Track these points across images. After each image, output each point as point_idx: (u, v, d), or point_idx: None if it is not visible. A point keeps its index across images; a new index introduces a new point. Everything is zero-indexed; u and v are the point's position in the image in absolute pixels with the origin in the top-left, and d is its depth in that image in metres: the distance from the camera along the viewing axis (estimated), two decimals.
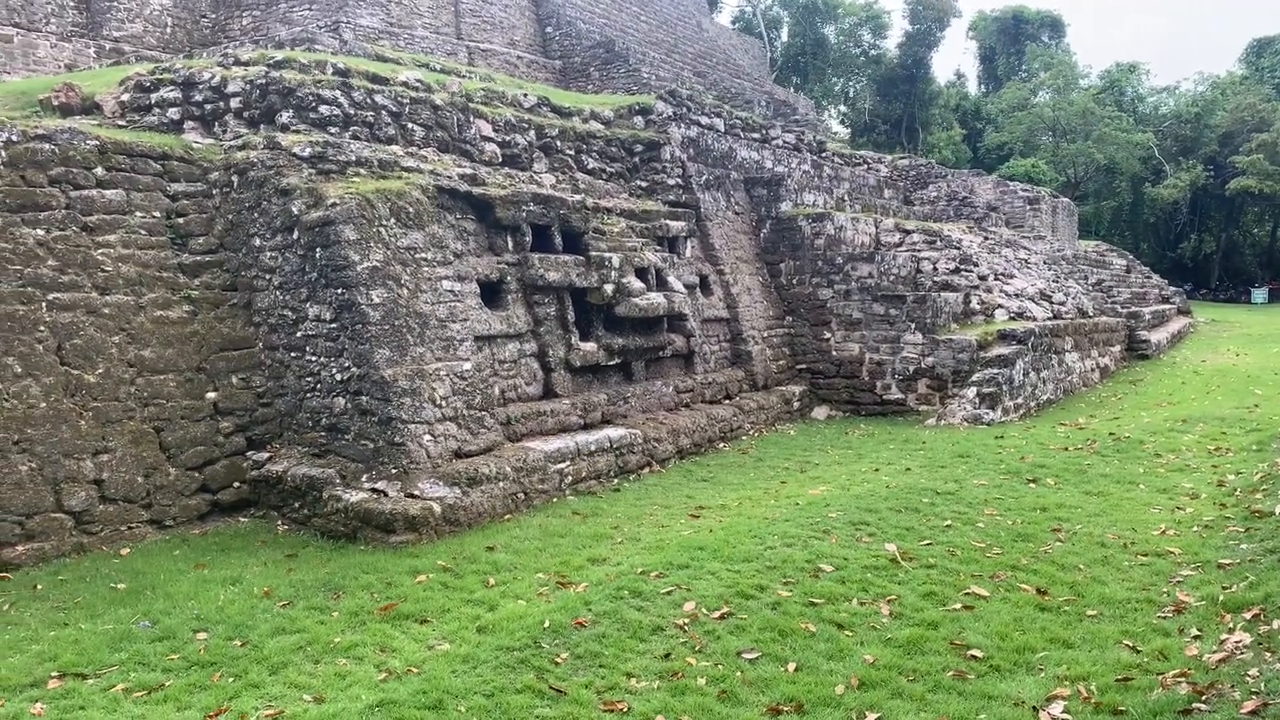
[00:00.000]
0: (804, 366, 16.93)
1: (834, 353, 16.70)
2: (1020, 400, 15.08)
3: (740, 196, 17.46)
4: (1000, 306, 16.62)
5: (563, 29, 29.28)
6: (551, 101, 15.77)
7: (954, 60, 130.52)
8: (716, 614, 6.62)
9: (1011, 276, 18.22)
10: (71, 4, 23.91)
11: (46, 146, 9.67)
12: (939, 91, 65.96)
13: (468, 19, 27.41)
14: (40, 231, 9.37)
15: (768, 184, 17.73)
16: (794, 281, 17.22)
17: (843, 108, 68.11)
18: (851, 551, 7.85)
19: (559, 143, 14.69)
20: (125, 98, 11.93)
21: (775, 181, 17.77)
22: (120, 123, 11.69)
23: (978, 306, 16.38)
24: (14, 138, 9.46)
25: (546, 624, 6.50)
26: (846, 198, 19.67)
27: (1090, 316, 19.74)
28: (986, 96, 66.44)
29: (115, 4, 24.43)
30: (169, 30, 25.60)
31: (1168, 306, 29.84)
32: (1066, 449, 11.89)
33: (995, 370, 14.80)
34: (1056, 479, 10.39)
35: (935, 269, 16.52)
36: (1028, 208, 27.41)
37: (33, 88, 13.75)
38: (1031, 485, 10.14)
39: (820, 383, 16.75)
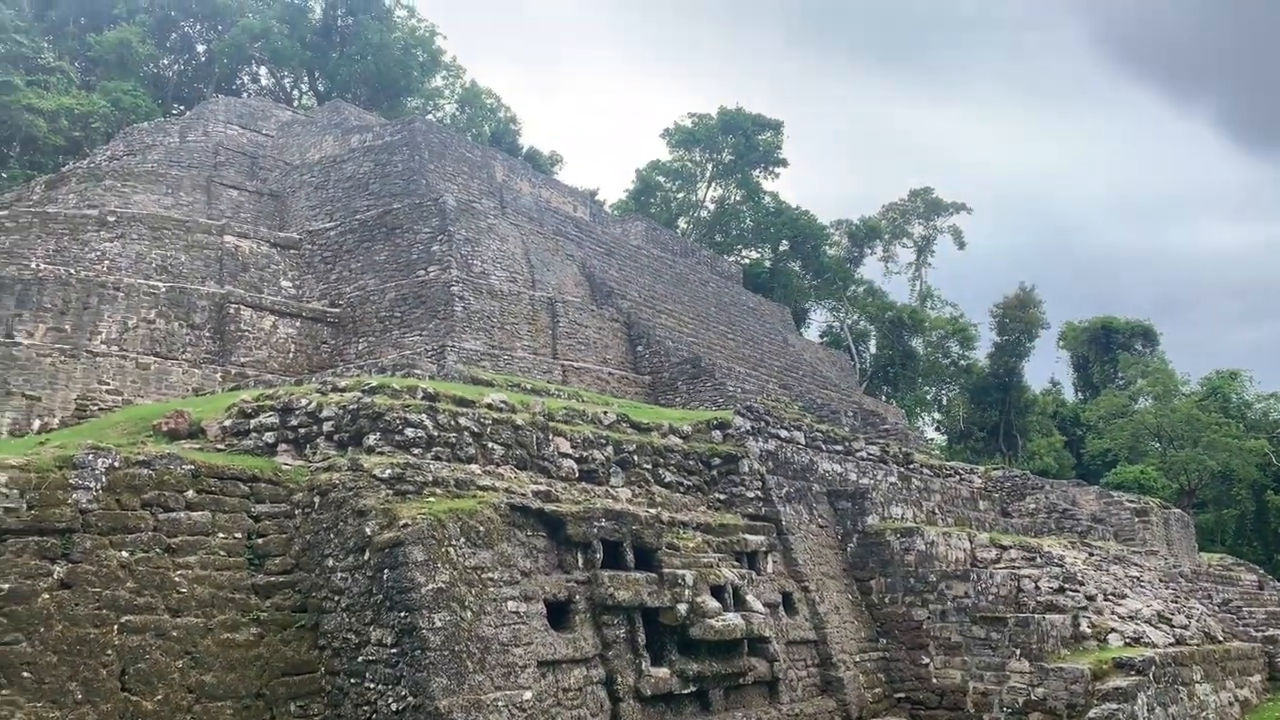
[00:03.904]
0: (902, 695, 15.65)
1: (934, 680, 15.45)
2: None
3: (824, 509, 17.14)
4: (1114, 630, 15.34)
5: (652, 347, 30.81)
6: (630, 418, 16.21)
7: (1047, 367, 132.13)
8: None
9: (1123, 596, 16.98)
10: (208, 335, 26.42)
11: (145, 472, 10.22)
12: (1034, 399, 65.97)
13: (563, 340, 29.15)
14: (125, 553, 9.66)
15: (852, 496, 17.43)
16: (886, 600, 16.38)
17: (936, 415, 68.45)
18: None
19: (636, 457, 14.90)
20: (228, 423, 12.74)
21: (860, 494, 17.46)
22: (220, 446, 12.39)
23: (1088, 630, 15.15)
24: (115, 463, 10.05)
25: None
26: (938, 511, 19.11)
27: (1220, 641, 18.01)
28: (1084, 403, 66.01)
29: (246, 333, 26.90)
30: (291, 355, 27.84)
31: None
32: None
33: (1114, 705, 13.35)
34: None
35: (1037, 588, 15.56)
36: (1136, 520, 26.11)
37: (151, 413, 14.87)
38: None
39: (921, 714, 15.36)
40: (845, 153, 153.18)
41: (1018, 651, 14.77)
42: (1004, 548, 17.47)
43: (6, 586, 8.79)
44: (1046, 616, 14.94)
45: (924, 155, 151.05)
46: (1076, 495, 27.17)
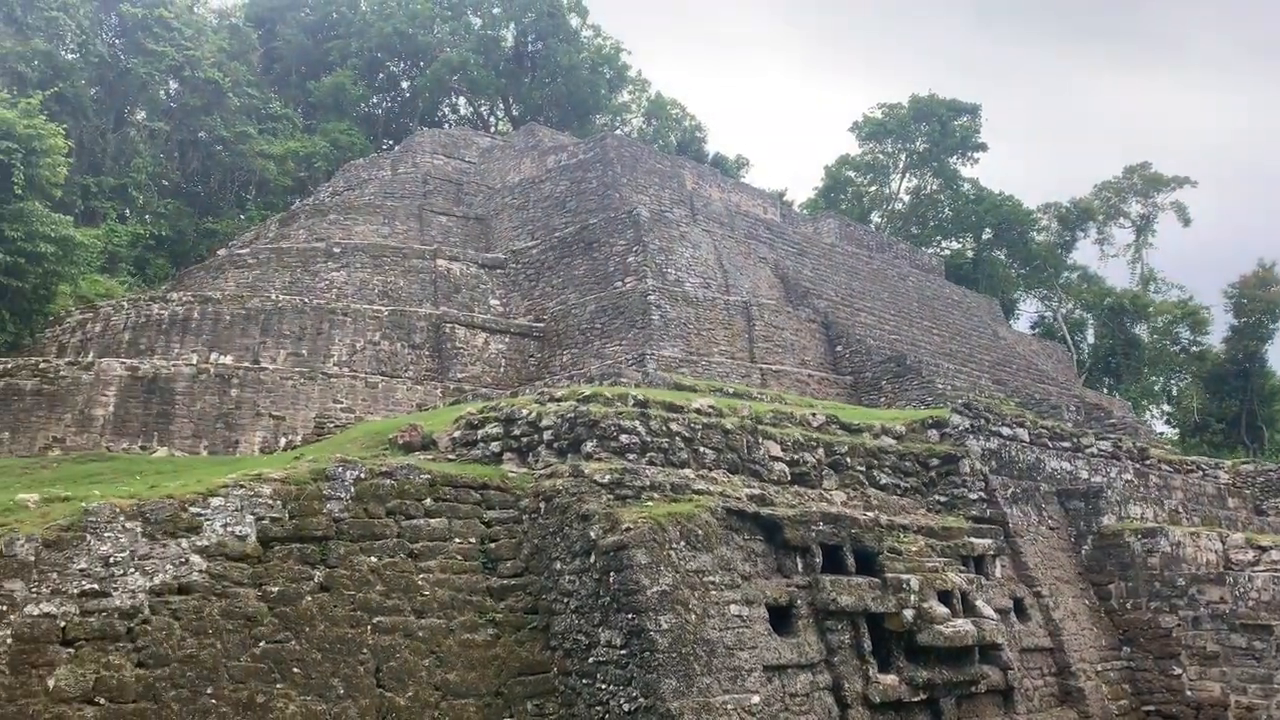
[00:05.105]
0: (1152, 709, 14.49)
1: (1188, 693, 14.22)
2: None
3: (1053, 510, 16.16)
4: None
5: (852, 347, 30.12)
6: (840, 419, 15.88)
7: None
8: None
9: None
10: (427, 354, 28.08)
11: (387, 482, 10.94)
12: None
13: (760, 344, 28.99)
14: (373, 559, 10.37)
15: (1084, 496, 16.35)
16: (1127, 606, 15.24)
17: (1165, 407, 63.21)
18: None
19: (848, 459, 14.57)
20: (456, 434, 13.45)
21: (1093, 493, 16.36)
22: (450, 456, 13.10)
23: None
24: (362, 475, 10.81)
25: None
26: (1181, 509, 17.64)
27: None
28: None
29: (461, 350, 28.39)
30: (502, 370, 29.13)
31: None
32: None
33: None
34: None
35: None
36: None
37: (384, 428, 15.93)
38: None
39: None
40: (1049, 133, 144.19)
41: None
42: (1263, 548, 15.85)
43: (276, 589, 9.62)
44: None
45: (1137, 129, 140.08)
46: None
